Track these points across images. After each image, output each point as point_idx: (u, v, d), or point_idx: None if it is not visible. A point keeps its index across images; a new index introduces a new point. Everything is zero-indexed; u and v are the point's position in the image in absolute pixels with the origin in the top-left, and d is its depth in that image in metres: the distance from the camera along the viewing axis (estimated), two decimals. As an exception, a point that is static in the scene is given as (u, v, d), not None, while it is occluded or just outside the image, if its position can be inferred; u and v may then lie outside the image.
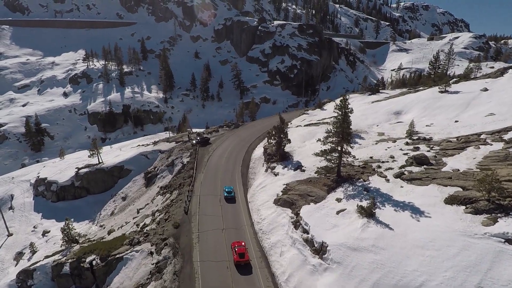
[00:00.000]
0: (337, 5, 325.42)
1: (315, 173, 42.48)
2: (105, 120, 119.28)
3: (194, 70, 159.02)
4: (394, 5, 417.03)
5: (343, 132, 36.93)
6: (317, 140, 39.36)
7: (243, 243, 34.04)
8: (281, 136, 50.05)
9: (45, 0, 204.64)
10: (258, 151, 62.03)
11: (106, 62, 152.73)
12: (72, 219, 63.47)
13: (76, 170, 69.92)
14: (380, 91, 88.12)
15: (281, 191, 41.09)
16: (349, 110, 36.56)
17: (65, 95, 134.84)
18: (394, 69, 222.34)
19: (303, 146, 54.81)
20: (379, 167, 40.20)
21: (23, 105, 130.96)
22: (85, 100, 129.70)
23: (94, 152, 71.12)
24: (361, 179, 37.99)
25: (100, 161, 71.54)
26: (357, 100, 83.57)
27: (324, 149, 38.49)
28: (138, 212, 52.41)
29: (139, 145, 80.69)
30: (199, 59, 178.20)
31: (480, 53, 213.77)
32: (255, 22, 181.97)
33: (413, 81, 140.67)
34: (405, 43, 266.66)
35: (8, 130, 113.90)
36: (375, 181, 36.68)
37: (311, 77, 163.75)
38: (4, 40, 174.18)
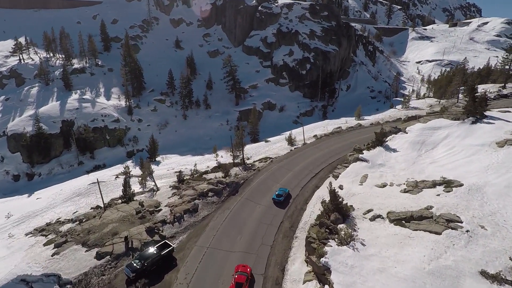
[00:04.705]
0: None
1: None
2: (32, 146, 78.22)
3: (173, 66, 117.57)
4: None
5: None
6: None
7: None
8: None
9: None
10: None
11: (50, 55, 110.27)
12: None
13: None
14: (484, 112, 49.74)
15: None
16: None
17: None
18: (420, 62, 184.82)
19: None
20: None
21: None
22: (8, 114, 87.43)
23: None
24: None
25: None
26: (457, 137, 44.70)
27: None
28: None
29: (43, 231, 40.88)
30: (181, 49, 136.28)
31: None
32: (254, 1, 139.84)
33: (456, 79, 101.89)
34: (426, 29, 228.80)
35: None
36: None
37: (328, 74, 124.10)
38: None
